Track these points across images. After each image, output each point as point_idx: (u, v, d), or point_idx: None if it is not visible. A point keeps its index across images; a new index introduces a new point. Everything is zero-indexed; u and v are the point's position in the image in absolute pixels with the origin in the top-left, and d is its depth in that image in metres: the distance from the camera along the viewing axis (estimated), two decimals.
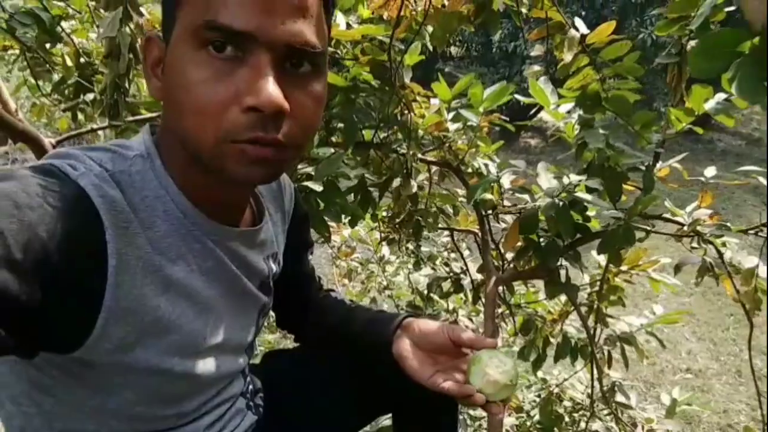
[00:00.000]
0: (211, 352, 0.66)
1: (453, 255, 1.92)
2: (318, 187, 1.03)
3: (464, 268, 1.77)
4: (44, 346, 0.50)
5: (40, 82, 1.26)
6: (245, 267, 0.69)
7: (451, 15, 1.06)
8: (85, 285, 0.49)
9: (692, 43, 1.18)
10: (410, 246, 1.83)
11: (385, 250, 2.21)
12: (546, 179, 1.14)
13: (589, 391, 1.68)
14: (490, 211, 1.29)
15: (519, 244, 1.21)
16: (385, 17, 1.11)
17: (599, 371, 1.51)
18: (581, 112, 1.27)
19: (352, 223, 1.56)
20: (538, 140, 9.02)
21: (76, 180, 0.50)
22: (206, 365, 0.65)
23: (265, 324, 1.19)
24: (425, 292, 2.05)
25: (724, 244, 1.29)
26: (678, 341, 4.51)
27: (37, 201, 0.46)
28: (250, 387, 0.85)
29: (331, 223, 2.15)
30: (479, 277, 1.66)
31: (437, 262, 1.94)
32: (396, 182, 1.23)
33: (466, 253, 2.00)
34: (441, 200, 1.40)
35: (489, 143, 1.43)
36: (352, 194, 1.34)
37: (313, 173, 1.08)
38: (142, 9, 0.94)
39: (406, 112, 1.21)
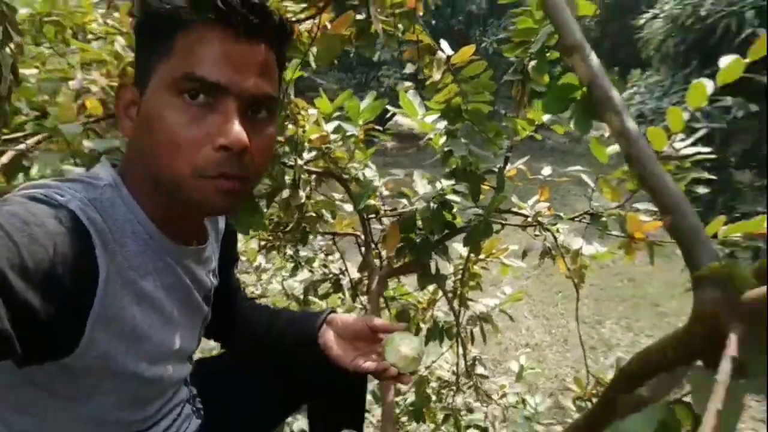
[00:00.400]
0: (171, 359, 0.73)
1: (330, 257, 2.04)
2: None
3: (342, 268, 1.89)
4: (39, 351, 0.54)
5: None
6: (196, 282, 0.77)
7: (334, 37, 1.17)
8: (79, 295, 0.55)
9: (533, 63, 1.43)
10: (289, 251, 1.90)
11: (260, 258, 2.25)
12: (421, 185, 1.30)
13: (454, 369, 1.90)
14: (372, 215, 1.43)
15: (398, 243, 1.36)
16: None
17: (464, 348, 1.72)
18: (446, 123, 1.46)
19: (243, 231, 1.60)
20: (393, 143, 9.56)
21: (65, 205, 0.56)
22: (168, 370, 0.72)
23: None
24: (301, 296, 2.13)
25: (557, 230, 1.57)
26: (518, 320, 5.07)
27: (40, 220, 0.52)
28: (191, 393, 0.90)
29: None
30: (357, 276, 1.79)
31: (314, 265, 2.04)
32: (285, 193, 1.31)
33: (338, 255, 2.13)
34: (323, 206, 1.50)
35: (365, 151, 1.56)
36: None
37: None
38: None
39: (292, 125, 1.30)
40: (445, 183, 1.31)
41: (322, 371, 0.91)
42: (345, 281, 1.86)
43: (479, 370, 1.89)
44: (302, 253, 2.02)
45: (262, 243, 1.78)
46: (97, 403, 0.64)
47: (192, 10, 0.59)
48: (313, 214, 1.45)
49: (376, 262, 1.48)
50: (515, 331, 4.93)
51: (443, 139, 1.45)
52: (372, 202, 1.36)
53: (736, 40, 3.40)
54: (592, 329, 5.11)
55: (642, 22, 4.15)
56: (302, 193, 1.31)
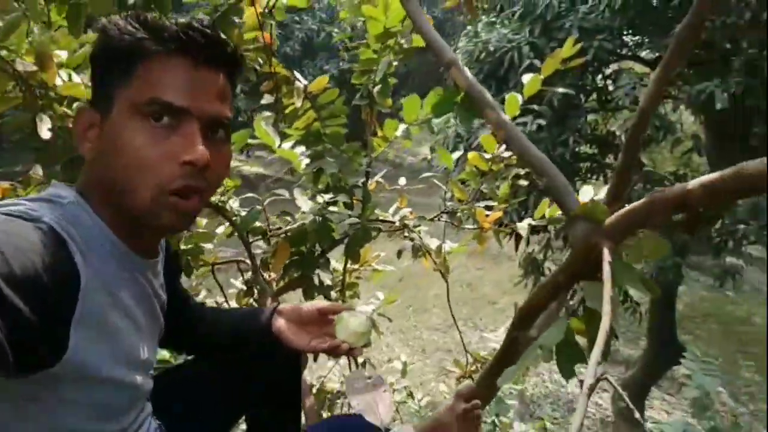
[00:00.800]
0: (140, 368, 0.73)
1: (200, 297, 1.98)
2: None
3: (220, 300, 1.86)
4: (29, 359, 0.54)
5: None
6: (155, 294, 0.78)
7: None
8: (62, 301, 0.57)
9: (377, 88, 1.60)
10: None
11: None
12: (303, 201, 1.39)
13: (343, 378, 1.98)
14: (258, 237, 1.46)
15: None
16: None
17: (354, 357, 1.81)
18: (304, 148, 1.56)
19: None
20: None
21: (40, 218, 0.57)
22: (140, 378, 0.73)
23: None
24: None
25: (420, 232, 1.76)
26: (376, 338, 5.26)
27: (21, 231, 0.53)
28: (151, 409, 0.87)
29: None
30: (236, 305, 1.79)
31: None
32: None
33: (204, 293, 2.09)
34: (200, 239, 1.49)
35: (235, 180, 1.59)
36: None
37: None
38: None
39: None
40: (326, 198, 1.40)
41: (267, 367, 0.96)
42: None
43: (368, 371, 1.99)
44: None
45: None
46: (79, 413, 0.64)
47: (155, 41, 0.64)
48: (193, 246, 1.44)
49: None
50: (376, 349, 5.12)
51: (304, 163, 1.55)
52: (258, 224, 1.40)
53: (519, 69, 4.08)
54: (445, 334, 5.52)
55: None
56: None
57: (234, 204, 1.59)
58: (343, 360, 1.96)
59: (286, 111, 1.51)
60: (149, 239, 0.76)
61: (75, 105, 1.02)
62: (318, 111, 1.52)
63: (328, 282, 1.77)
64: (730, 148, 4.32)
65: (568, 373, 0.71)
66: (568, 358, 0.71)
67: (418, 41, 1.54)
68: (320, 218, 1.35)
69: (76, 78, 1.20)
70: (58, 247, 0.57)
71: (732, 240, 3.97)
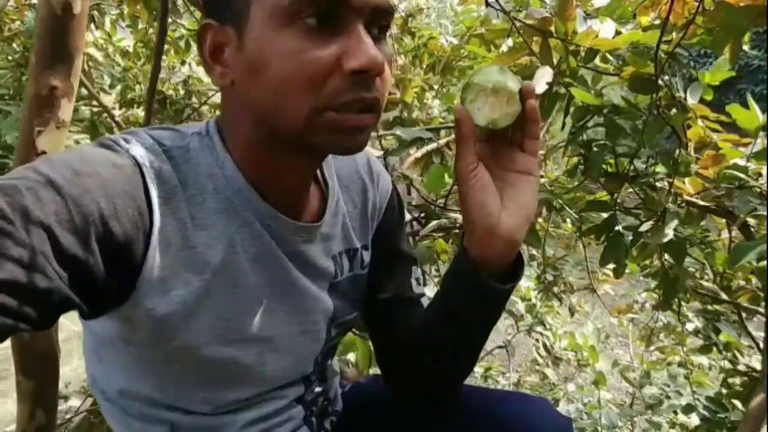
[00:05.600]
0: (253, 345, 0.62)
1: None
2: None
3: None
4: (98, 303, 0.52)
5: None
6: (303, 263, 0.65)
7: (741, 10, 0.76)
8: (129, 252, 0.51)
9: None
10: (690, 315, 1.40)
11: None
12: None
13: None
14: None
15: None
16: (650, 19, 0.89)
17: None
18: None
19: (616, 273, 1.33)
20: None
21: (127, 150, 0.53)
22: (245, 358, 0.61)
23: None
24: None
25: None
26: None
27: (93, 168, 0.49)
28: (320, 402, 0.76)
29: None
30: None
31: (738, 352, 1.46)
32: (645, 226, 0.96)
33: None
34: (720, 262, 1.04)
35: None
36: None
37: None
38: None
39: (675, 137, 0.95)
40: None
41: None
42: None
43: None
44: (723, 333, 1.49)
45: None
46: (172, 372, 0.59)
47: None
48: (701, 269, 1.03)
49: None
50: None
51: None
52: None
53: None
54: None
55: None
56: (668, 231, 0.93)
57: None
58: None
59: None
60: (288, 182, 0.61)
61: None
62: None
63: None
64: None
65: None
66: None
67: None
68: None
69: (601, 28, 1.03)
70: (135, 186, 0.51)
71: None
